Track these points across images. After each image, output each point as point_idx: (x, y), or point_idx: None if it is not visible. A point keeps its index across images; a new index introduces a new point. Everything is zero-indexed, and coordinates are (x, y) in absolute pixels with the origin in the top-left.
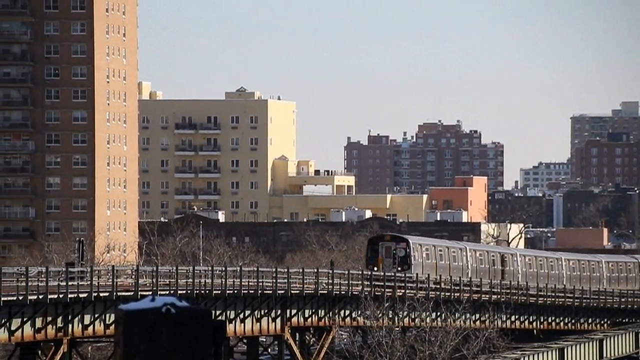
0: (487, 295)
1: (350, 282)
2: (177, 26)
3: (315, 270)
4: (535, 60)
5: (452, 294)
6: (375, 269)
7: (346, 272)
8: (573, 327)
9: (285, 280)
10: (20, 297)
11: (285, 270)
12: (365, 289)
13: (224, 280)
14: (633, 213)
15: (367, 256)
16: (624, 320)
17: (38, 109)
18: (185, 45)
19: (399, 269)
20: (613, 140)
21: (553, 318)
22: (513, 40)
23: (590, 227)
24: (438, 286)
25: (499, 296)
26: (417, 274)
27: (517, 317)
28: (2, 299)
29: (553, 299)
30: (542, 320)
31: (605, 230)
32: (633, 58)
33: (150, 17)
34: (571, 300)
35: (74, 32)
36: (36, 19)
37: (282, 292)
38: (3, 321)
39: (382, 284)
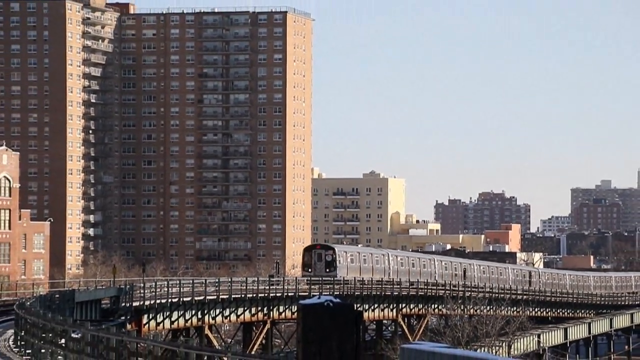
0: (521, 296)
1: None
2: (333, 132)
3: (417, 280)
4: (550, 153)
5: (498, 294)
6: (310, 270)
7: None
8: (573, 315)
9: (399, 286)
10: (243, 295)
11: (399, 280)
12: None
13: (361, 286)
14: (608, 247)
15: (303, 261)
16: (603, 311)
17: (253, 184)
18: (337, 144)
19: (327, 270)
20: (596, 203)
21: (561, 310)
22: (536, 137)
23: (583, 255)
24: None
25: (528, 296)
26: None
27: (538, 309)
28: (233, 296)
29: (561, 298)
30: (554, 311)
31: (592, 257)
32: (607, 152)
33: (320, 127)
34: (572, 298)
35: (274, 138)
36: (252, 132)
37: (397, 293)
38: (233, 309)
39: (320, 283)
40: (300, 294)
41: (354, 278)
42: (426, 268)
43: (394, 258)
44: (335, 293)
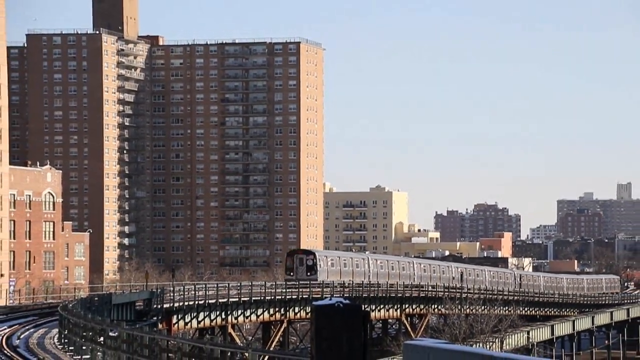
0: (512, 296)
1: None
2: (343, 150)
3: (419, 283)
4: (538, 169)
5: (492, 295)
6: (292, 274)
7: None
8: (558, 313)
9: (402, 288)
10: (262, 297)
11: (402, 283)
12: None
13: (369, 288)
14: (590, 253)
15: (286, 265)
16: (586, 310)
17: (271, 197)
18: (347, 161)
19: (308, 274)
20: (579, 213)
21: (547, 309)
22: (526, 154)
23: (567, 260)
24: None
25: (518, 297)
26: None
27: (528, 308)
28: (253, 298)
29: (547, 298)
30: (541, 310)
31: (576, 262)
32: (590, 167)
33: (331, 145)
34: (556, 298)
35: (289, 157)
36: (269, 151)
37: (400, 295)
38: (253, 310)
39: (297, 286)
40: (313, 295)
41: (333, 281)
42: (405, 271)
43: (374, 261)
44: (346, 295)
